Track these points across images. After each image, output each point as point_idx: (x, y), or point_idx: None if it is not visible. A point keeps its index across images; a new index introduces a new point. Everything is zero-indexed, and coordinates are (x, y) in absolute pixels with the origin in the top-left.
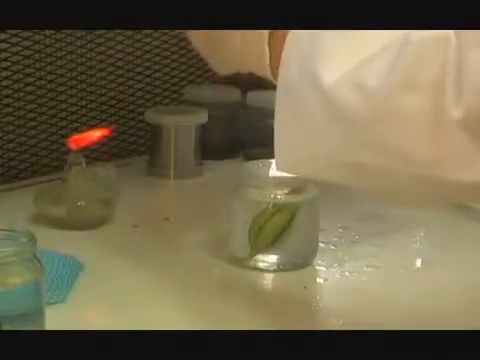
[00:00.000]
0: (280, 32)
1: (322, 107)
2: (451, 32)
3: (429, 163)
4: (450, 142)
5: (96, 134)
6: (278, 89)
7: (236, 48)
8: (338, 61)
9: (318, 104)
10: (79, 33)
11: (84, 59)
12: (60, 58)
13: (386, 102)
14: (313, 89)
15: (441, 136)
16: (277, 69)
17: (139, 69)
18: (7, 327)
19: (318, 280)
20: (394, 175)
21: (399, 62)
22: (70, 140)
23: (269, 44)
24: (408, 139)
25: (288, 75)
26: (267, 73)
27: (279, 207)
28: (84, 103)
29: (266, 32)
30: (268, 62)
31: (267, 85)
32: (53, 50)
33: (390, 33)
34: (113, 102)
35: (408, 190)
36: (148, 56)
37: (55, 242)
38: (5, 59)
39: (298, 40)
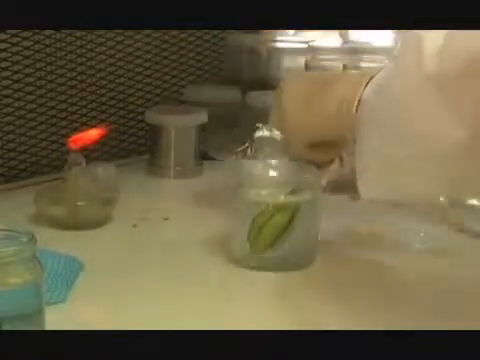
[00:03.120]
0: None
1: (364, 119)
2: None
3: (423, 136)
4: (429, 105)
5: (95, 133)
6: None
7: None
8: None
9: (364, 118)
10: (79, 33)
11: (84, 59)
12: (60, 58)
13: (388, 93)
14: (364, 104)
15: (424, 103)
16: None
17: (139, 69)
18: (7, 327)
19: (318, 280)
20: (415, 163)
21: (394, 58)
22: (70, 140)
23: None
24: (407, 118)
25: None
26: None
27: (279, 207)
28: (84, 103)
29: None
30: (356, 104)
31: (267, 85)
32: (53, 50)
33: None
34: (113, 102)
35: (434, 179)
36: (148, 56)
37: (55, 242)
38: (5, 59)
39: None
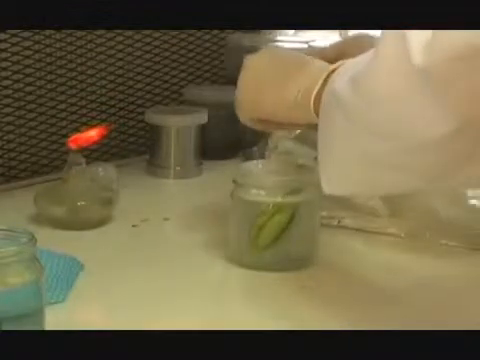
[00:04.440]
0: None
1: (334, 111)
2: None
3: (406, 130)
4: (416, 99)
5: (95, 133)
6: (319, 113)
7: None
8: (349, 72)
9: (332, 112)
10: (79, 33)
11: (84, 59)
12: (60, 58)
13: (367, 87)
14: (331, 99)
15: (409, 97)
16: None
17: (139, 69)
18: (7, 327)
19: (318, 280)
20: (392, 156)
21: (374, 53)
22: (70, 140)
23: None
24: (387, 112)
25: (323, 99)
26: (311, 114)
27: (279, 207)
28: (84, 103)
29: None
30: (313, 98)
31: None
32: (53, 50)
33: None
34: (113, 102)
35: (413, 171)
36: (148, 56)
37: (55, 242)
38: (5, 59)
39: (338, 71)
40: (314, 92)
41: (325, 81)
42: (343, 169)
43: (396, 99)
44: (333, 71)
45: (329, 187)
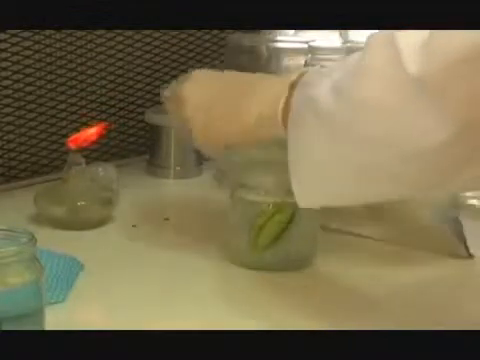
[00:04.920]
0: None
1: (312, 120)
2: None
3: (400, 138)
4: (410, 107)
5: (94, 132)
6: (288, 130)
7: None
8: (327, 80)
9: (312, 121)
10: (79, 33)
11: (84, 59)
12: (60, 58)
13: (354, 96)
14: (308, 108)
15: (403, 105)
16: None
17: (139, 69)
18: (7, 327)
19: (318, 280)
20: (382, 165)
21: (359, 61)
22: (69, 140)
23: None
24: (378, 121)
25: (294, 106)
26: (279, 127)
27: (279, 207)
28: (84, 103)
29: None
30: (281, 111)
31: None
32: (53, 50)
33: None
34: (113, 102)
35: (401, 181)
36: (148, 56)
37: (55, 242)
38: (5, 59)
39: (305, 79)
40: (280, 106)
41: (290, 94)
42: (322, 181)
43: (389, 108)
44: (293, 84)
45: (304, 200)
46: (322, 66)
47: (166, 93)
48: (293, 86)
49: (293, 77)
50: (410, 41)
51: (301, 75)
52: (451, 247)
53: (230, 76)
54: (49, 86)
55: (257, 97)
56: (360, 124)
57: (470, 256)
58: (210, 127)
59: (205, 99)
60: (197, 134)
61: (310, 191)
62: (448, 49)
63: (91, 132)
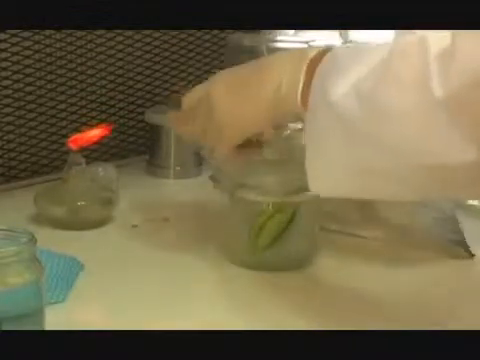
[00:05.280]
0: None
1: (332, 121)
2: (428, 33)
3: (421, 151)
4: (434, 124)
5: (95, 133)
6: (306, 117)
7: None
8: (346, 77)
9: (329, 120)
10: (79, 33)
11: (84, 59)
12: (60, 58)
13: (378, 103)
14: (325, 106)
15: (427, 121)
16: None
17: (139, 69)
18: (7, 327)
19: (318, 280)
20: (397, 171)
21: (386, 66)
22: (70, 140)
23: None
24: (401, 132)
25: (313, 100)
26: (299, 106)
27: (279, 207)
28: (84, 103)
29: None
30: (300, 91)
31: None
32: (53, 50)
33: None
34: (113, 102)
35: (413, 187)
36: (148, 56)
37: (55, 242)
38: (5, 59)
39: (323, 68)
40: (299, 86)
41: (307, 73)
42: (334, 173)
43: (413, 120)
44: (311, 62)
45: (316, 186)
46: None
47: (187, 102)
48: (312, 65)
49: (312, 54)
50: (438, 50)
51: (321, 54)
52: (450, 247)
53: (243, 65)
54: (49, 86)
55: (274, 74)
56: (382, 132)
57: (470, 256)
58: (236, 111)
59: (227, 89)
60: (224, 127)
61: (321, 179)
62: (475, 66)
63: (93, 133)
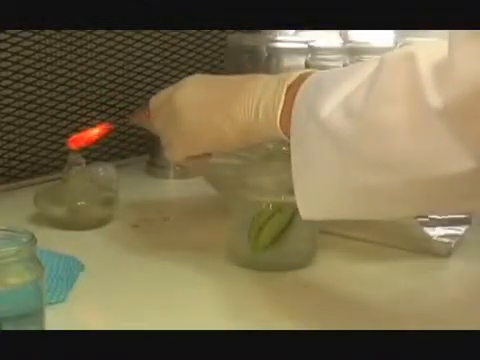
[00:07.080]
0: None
1: (321, 140)
2: (416, 48)
3: (416, 164)
4: (431, 136)
5: (95, 133)
6: (291, 140)
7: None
8: (333, 95)
9: (318, 139)
10: (79, 33)
11: (84, 59)
12: (60, 58)
13: (369, 118)
14: (313, 126)
15: (423, 133)
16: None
17: (139, 69)
18: (7, 327)
19: (318, 280)
20: (392, 187)
21: (374, 82)
22: (70, 140)
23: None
24: (394, 146)
25: (297, 122)
26: (277, 130)
27: (279, 207)
28: (84, 103)
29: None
30: (279, 113)
31: None
32: (53, 50)
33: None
34: (113, 102)
35: (408, 202)
36: (148, 56)
37: (55, 242)
38: (5, 59)
39: (306, 88)
40: (278, 111)
41: (287, 96)
42: (325, 195)
43: (407, 135)
44: (290, 87)
45: (307, 212)
46: (322, 67)
47: (154, 102)
48: (291, 90)
49: (290, 80)
50: (430, 63)
51: (300, 79)
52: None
53: (216, 77)
54: (49, 86)
55: (250, 97)
56: (374, 147)
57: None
58: (200, 127)
59: (195, 99)
60: (183, 136)
61: (313, 207)
62: (471, 78)
63: (93, 133)
